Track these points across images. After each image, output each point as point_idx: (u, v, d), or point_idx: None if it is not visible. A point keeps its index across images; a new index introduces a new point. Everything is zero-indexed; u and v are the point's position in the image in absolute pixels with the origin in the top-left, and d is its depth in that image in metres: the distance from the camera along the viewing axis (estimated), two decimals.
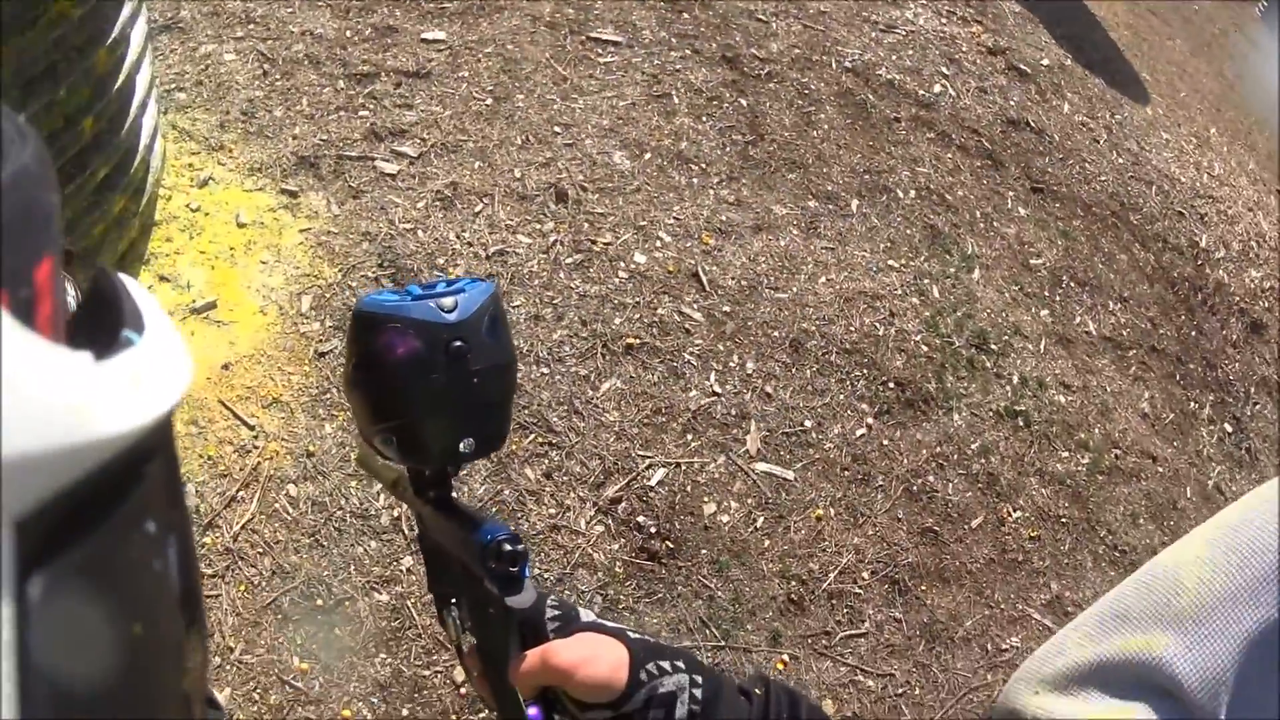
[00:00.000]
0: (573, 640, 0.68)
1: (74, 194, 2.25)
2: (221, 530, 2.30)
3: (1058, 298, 3.76)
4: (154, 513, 0.26)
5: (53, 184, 0.25)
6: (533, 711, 0.70)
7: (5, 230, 0.22)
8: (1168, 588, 0.40)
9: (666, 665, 0.68)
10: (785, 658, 2.57)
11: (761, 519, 2.69)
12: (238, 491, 2.36)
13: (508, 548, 0.66)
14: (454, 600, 0.76)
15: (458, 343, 0.65)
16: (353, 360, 0.68)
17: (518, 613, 0.68)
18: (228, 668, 2.13)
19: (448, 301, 0.65)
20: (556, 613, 0.72)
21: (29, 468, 0.20)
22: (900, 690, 2.68)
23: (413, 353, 0.65)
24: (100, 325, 0.28)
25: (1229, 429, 4.03)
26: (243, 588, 2.23)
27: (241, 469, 2.40)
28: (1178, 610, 0.39)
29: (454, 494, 0.76)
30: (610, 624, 0.71)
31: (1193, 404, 3.99)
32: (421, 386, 0.65)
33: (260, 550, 2.31)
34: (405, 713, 2.20)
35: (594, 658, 0.66)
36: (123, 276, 0.31)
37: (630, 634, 0.70)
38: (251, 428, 2.47)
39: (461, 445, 0.69)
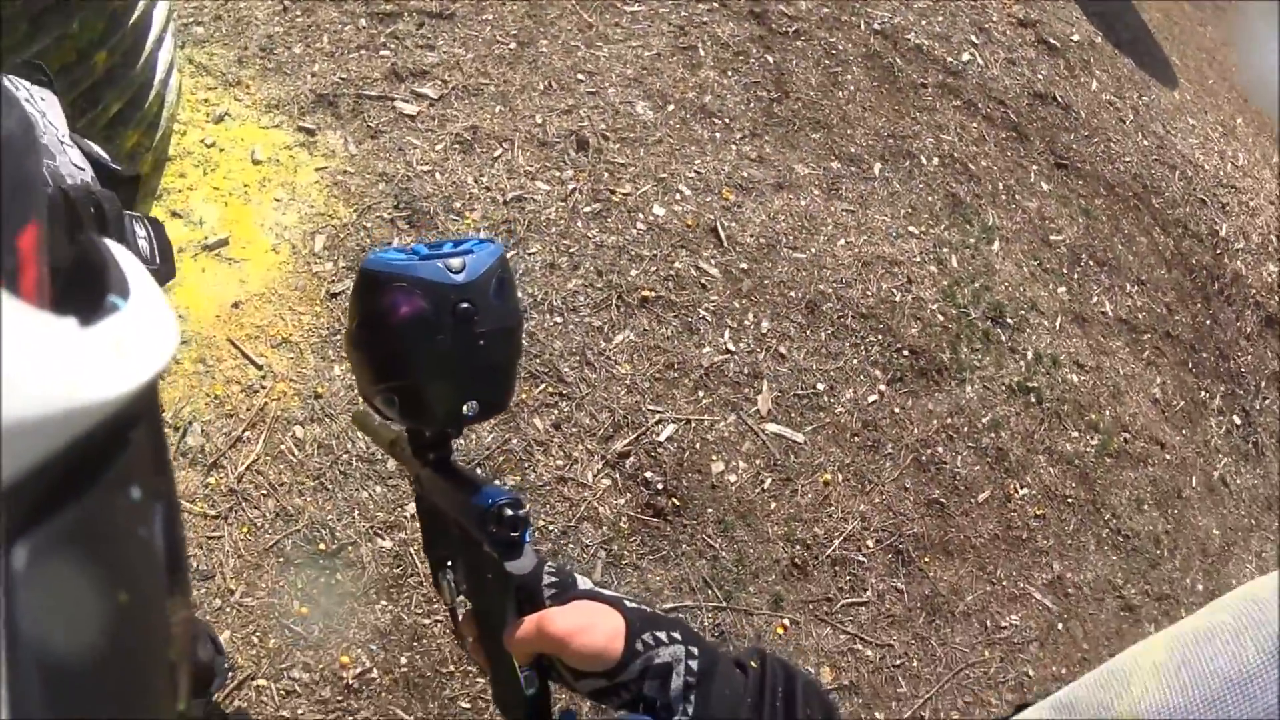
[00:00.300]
0: (569, 608, 0.67)
1: (85, 129, 2.20)
2: (226, 471, 2.27)
3: (1076, 276, 3.72)
4: (139, 479, 0.26)
5: (36, 151, 0.25)
6: (527, 677, 0.69)
7: None
8: (1116, 688, 0.40)
9: (663, 636, 0.67)
10: (786, 622, 2.56)
11: (769, 480, 2.66)
12: (244, 432, 2.32)
13: (509, 512, 0.65)
14: (450, 564, 0.75)
15: (464, 304, 0.64)
16: (356, 319, 0.67)
17: (515, 578, 0.67)
18: (228, 610, 2.11)
19: (455, 262, 0.64)
20: (554, 579, 0.71)
21: (13, 435, 0.20)
22: (898, 661, 2.67)
23: (419, 313, 0.63)
24: (86, 291, 0.28)
25: (1237, 421, 4.01)
26: (245, 530, 2.21)
27: (248, 409, 2.37)
28: (1114, 715, 0.38)
29: (453, 456, 0.75)
30: (607, 592, 0.70)
31: (1203, 393, 3.96)
32: (427, 347, 0.64)
33: (264, 492, 2.28)
34: (404, 661, 2.19)
35: (590, 626, 0.66)
36: (109, 242, 0.30)
37: (627, 603, 0.69)
38: (260, 367, 2.43)
39: (465, 408, 0.67)
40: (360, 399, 0.73)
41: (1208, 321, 4.22)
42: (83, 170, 1.19)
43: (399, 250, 0.66)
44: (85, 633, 0.23)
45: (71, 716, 0.22)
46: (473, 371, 0.66)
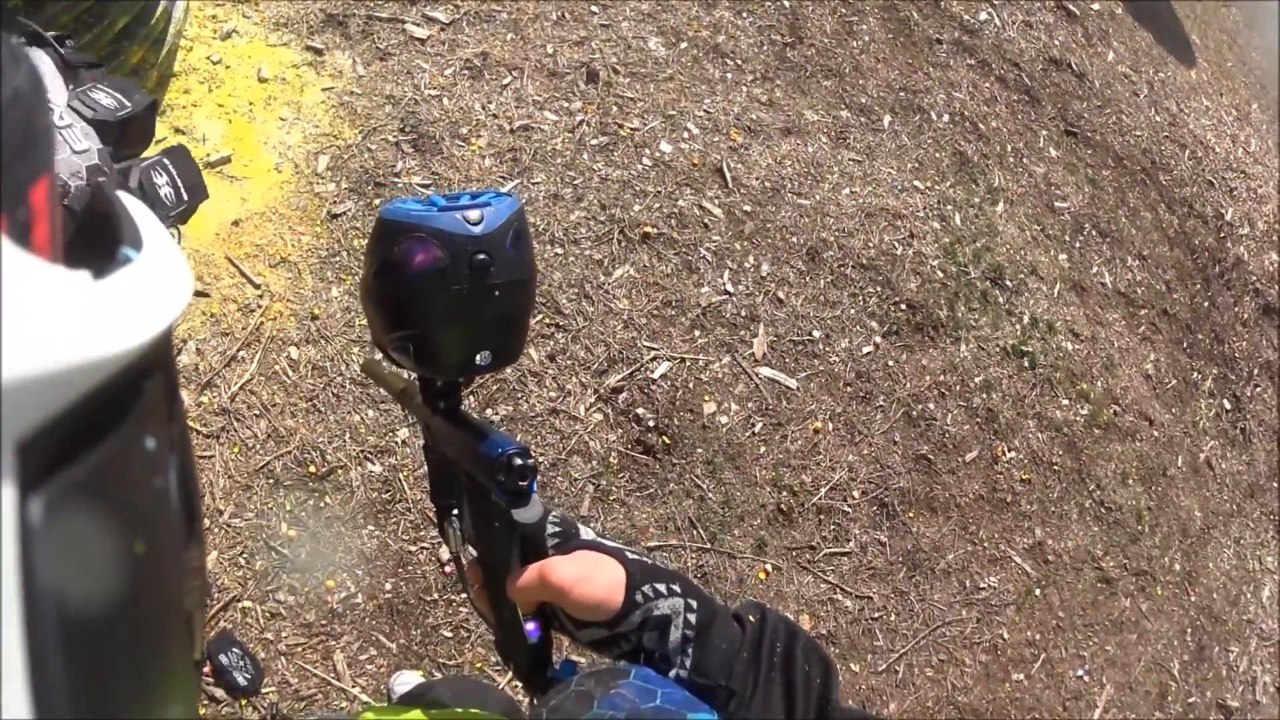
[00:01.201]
0: (571, 557, 0.68)
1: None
2: (219, 390, 2.25)
3: (1078, 244, 3.71)
4: (154, 429, 0.26)
5: (46, 106, 0.25)
6: (530, 626, 0.71)
7: (2, 153, 0.22)
8: None
9: (663, 588, 0.68)
10: (768, 567, 2.57)
11: (760, 424, 2.67)
12: (238, 351, 2.31)
13: (518, 462, 0.66)
14: (456, 512, 0.77)
15: (481, 255, 0.64)
16: (374, 267, 0.67)
17: (521, 527, 0.69)
18: (216, 530, 2.11)
19: (473, 214, 0.65)
20: (557, 529, 0.71)
21: (30, 390, 0.20)
22: (876, 614, 2.69)
23: (436, 262, 0.64)
24: (98, 243, 0.28)
25: (1227, 406, 4.02)
26: (236, 450, 2.20)
27: (244, 328, 2.35)
28: None
29: (463, 405, 0.76)
30: (609, 543, 0.71)
31: (1196, 374, 3.97)
32: (442, 297, 0.65)
33: (257, 412, 2.27)
34: (389, 587, 2.20)
35: (591, 576, 0.67)
36: (121, 194, 0.30)
37: (628, 554, 0.70)
38: (257, 287, 2.41)
39: (478, 357, 0.68)
40: (372, 346, 0.74)
41: (1205, 303, 4.22)
42: (85, 152, 1.15)
43: (417, 201, 0.66)
44: (103, 584, 0.23)
45: (89, 666, 0.22)
46: (486, 321, 0.67)
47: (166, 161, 1.22)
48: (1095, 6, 4.67)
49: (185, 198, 1.22)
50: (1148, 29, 4.95)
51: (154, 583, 0.26)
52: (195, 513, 0.31)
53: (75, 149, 1.13)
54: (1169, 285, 4.05)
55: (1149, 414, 3.62)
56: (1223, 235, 4.53)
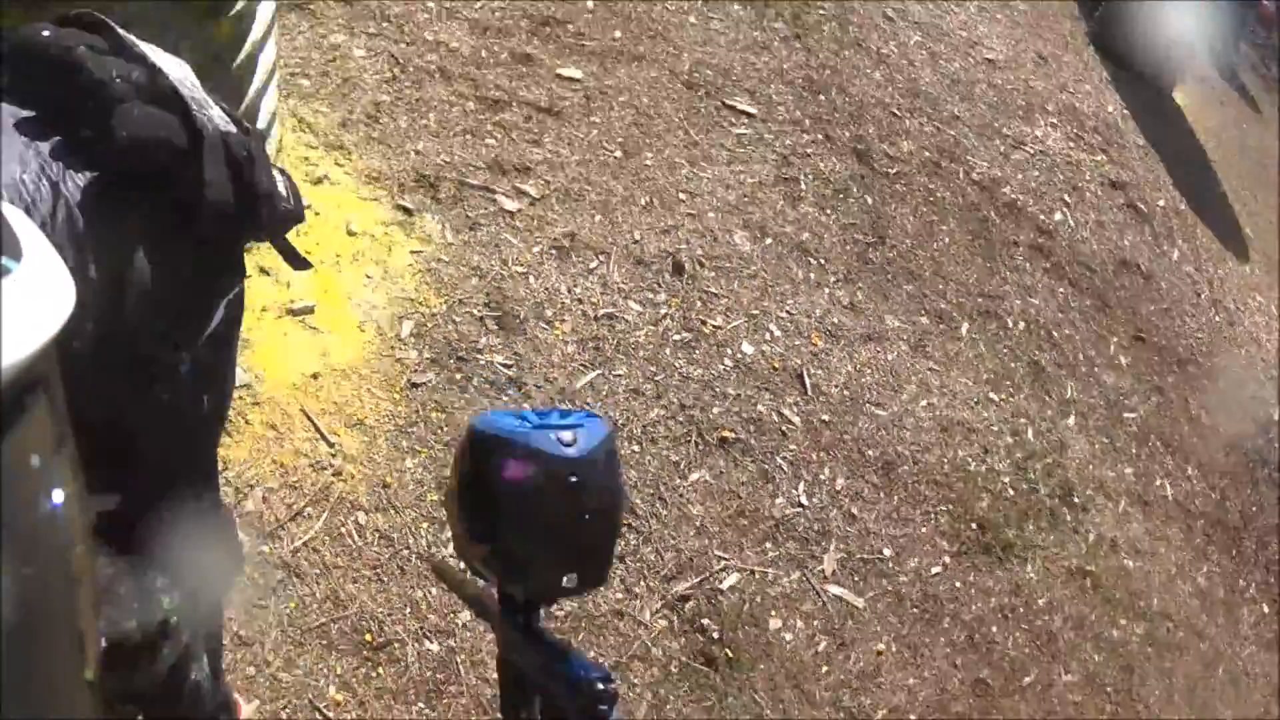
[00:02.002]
0: None
1: None
2: (282, 542, 2.20)
3: (1143, 456, 3.67)
4: (38, 447, 0.25)
5: None
6: None
7: None
8: None
9: None
10: None
11: (824, 643, 2.59)
12: (305, 506, 2.26)
13: (599, 687, 0.64)
14: None
15: (574, 478, 0.65)
16: (465, 479, 0.67)
17: None
18: (261, 680, 2.04)
19: (567, 435, 0.65)
20: None
21: None
22: None
23: (529, 480, 0.64)
24: None
25: (1265, 610, 3.94)
26: (293, 605, 2.14)
27: (313, 485, 2.30)
28: None
29: (543, 622, 0.75)
30: None
31: (1241, 580, 3.90)
32: (536, 517, 0.65)
33: (318, 571, 2.22)
34: None
35: None
36: (2, 205, 0.28)
37: None
38: (331, 445, 2.37)
39: (564, 580, 0.68)
40: (439, 546, 0.72)
41: (1254, 508, 4.17)
42: (229, 121, 1.25)
43: (510, 414, 0.67)
44: None
45: None
46: (576, 547, 0.67)
47: (277, 169, 1.35)
48: (1161, 203, 4.74)
49: (292, 202, 1.34)
50: (1208, 224, 5.02)
51: (41, 601, 0.24)
52: (91, 528, 0.28)
53: (222, 115, 1.22)
54: (1223, 493, 4.00)
55: (1198, 628, 3.54)
56: (1271, 436, 4.51)
